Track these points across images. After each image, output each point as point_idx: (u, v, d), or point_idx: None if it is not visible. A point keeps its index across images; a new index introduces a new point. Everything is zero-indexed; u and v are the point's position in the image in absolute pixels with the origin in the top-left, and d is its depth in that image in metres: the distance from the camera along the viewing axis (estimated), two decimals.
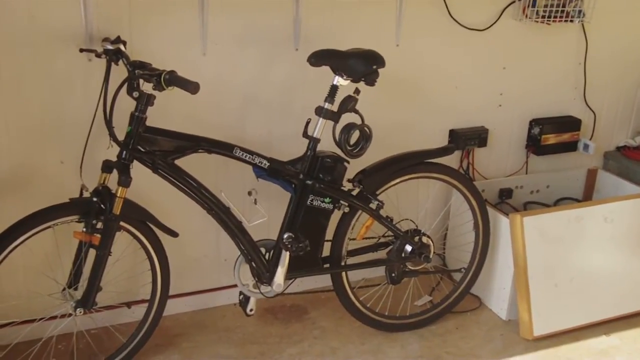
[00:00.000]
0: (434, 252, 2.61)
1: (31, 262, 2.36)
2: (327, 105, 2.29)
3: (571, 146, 3.30)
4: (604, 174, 3.36)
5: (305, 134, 2.28)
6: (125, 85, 2.02)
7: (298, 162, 2.33)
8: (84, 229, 2.12)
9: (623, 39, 3.29)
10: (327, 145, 2.33)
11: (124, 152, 2.08)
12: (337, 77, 2.29)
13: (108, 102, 2.06)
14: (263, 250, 2.40)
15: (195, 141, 2.18)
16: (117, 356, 2.38)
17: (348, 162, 2.38)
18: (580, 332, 2.75)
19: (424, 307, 2.85)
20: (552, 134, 3.21)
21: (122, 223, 2.16)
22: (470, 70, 2.98)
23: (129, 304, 2.49)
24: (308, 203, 2.35)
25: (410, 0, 2.70)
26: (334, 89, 2.29)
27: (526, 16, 2.91)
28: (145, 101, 2.04)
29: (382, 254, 2.61)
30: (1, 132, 2.25)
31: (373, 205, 2.45)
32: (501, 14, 2.92)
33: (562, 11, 2.93)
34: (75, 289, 2.20)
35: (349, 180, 2.44)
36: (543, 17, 2.90)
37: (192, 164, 2.21)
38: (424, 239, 2.57)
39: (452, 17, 2.81)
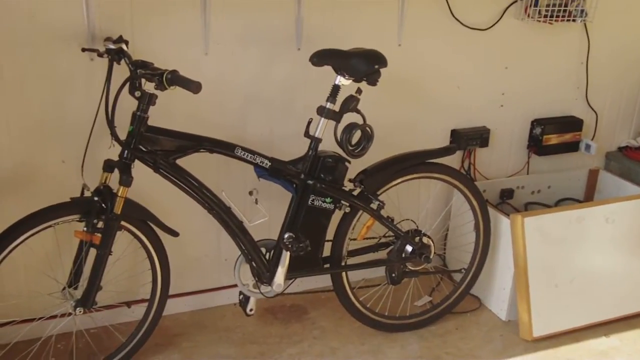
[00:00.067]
0: (434, 253, 2.61)
1: (32, 261, 2.36)
2: (328, 105, 2.28)
3: (573, 146, 3.30)
4: (606, 175, 3.36)
5: (306, 134, 2.28)
6: (127, 85, 2.02)
7: (299, 162, 2.33)
8: (85, 228, 2.11)
9: (625, 38, 3.28)
10: (328, 145, 2.33)
11: (126, 151, 2.08)
12: (339, 76, 2.28)
13: (110, 101, 2.06)
14: (263, 250, 2.40)
15: (197, 141, 2.18)
16: (117, 355, 2.38)
17: (349, 162, 2.38)
18: (580, 333, 2.75)
19: (424, 308, 2.85)
20: (553, 134, 3.21)
21: (123, 222, 2.16)
22: (472, 70, 2.98)
23: (128, 304, 2.49)
24: (309, 203, 2.35)
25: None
26: (335, 88, 2.29)
27: (528, 16, 2.91)
28: (147, 101, 2.04)
29: (382, 254, 2.61)
30: (3, 132, 2.25)
31: (374, 206, 2.45)
32: (503, 13, 2.91)
33: (565, 11, 2.92)
34: (76, 288, 2.19)
35: (350, 180, 2.44)
36: (545, 16, 2.90)
37: (194, 163, 2.21)
38: (425, 240, 2.57)
39: (454, 16, 2.81)
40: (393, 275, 2.58)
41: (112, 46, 2.11)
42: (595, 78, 3.25)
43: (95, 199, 2.09)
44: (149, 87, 2.03)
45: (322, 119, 2.29)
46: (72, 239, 2.16)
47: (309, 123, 2.28)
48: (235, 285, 2.44)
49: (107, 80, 2.09)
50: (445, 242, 3.10)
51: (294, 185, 2.34)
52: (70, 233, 2.13)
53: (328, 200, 2.37)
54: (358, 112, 2.32)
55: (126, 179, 2.07)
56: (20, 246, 2.03)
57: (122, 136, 2.08)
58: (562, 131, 3.23)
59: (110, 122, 2.06)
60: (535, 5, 2.88)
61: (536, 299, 2.66)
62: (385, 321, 2.69)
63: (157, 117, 2.10)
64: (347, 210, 2.44)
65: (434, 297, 2.95)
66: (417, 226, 2.61)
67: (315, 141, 2.30)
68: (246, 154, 2.23)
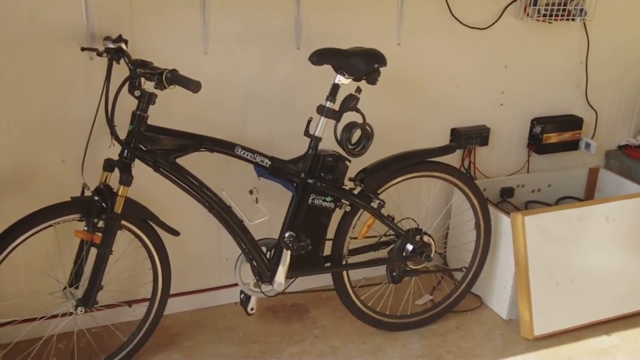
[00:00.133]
0: (435, 251, 2.61)
1: (32, 261, 2.36)
2: (328, 104, 2.28)
3: (573, 145, 3.30)
4: (606, 173, 3.36)
5: (306, 133, 2.28)
6: (127, 84, 2.02)
7: (299, 161, 2.33)
8: (86, 228, 2.12)
9: (625, 37, 3.28)
10: (328, 144, 2.33)
11: (126, 150, 2.08)
12: (338, 75, 2.28)
13: (109, 100, 2.06)
14: (264, 249, 2.40)
15: (197, 140, 2.18)
16: (118, 355, 2.38)
17: (349, 161, 2.38)
18: (581, 332, 2.75)
19: (425, 307, 2.85)
20: (553, 133, 3.21)
21: (123, 222, 2.16)
22: (472, 69, 2.98)
23: (129, 303, 2.50)
24: (309, 202, 2.35)
25: None
26: (335, 87, 2.29)
27: (527, 15, 2.91)
28: (146, 100, 2.04)
29: (383, 253, 2.61)
30: (2, 131, 2.25)
31: (374, 204, 2.45)
32: (502, 12, 2.91)
33: (564, 10, 2.92)
34: (76, 287, 2.19)
35: (350, 179, 2.44)
36: (544, 15, 2.90)
37: (194, 162, 2.21)
38: (425, 238, 2.57)
39: (453, 15, 2.81)
40: (394, 274, 2.58)
41: (111, 45, 2.11)
42: (594, 77, 3.26)
43: (96, 198, 2.09)
44: (148, 86, 2.03)
45: (322, 118, 2.29)
46: (73, 238, 2.16)
47: (309, 122, 2.28)
48: (236, 285, 2.44)
49: (107, 79, 2.09)
50: (446, 240, 3.10)
51: (294, 184, 2.34)
52: (71, 232, 2.13)
53: (328, 199, 2.37)
54: (358, 111, 2.32)
55: (126, 178, 2.07)
56: (21, 246, 2.03)
57: (122, 135, 2.09)
58: (562, 130, 3.23)
59: (110, 122, 2.06)
60: (535, 5, 2.88)
61: (537, 298, 2.66)
62: (386, 320, 2.69)
63: (156, 116, 2.10)
64: (348, 209, 2.44)
65: (434, 295, 2.95)
66: (418, 225, 2.61)
67: (315, 140, 2.30)
68: (246, 153, 2.23)
